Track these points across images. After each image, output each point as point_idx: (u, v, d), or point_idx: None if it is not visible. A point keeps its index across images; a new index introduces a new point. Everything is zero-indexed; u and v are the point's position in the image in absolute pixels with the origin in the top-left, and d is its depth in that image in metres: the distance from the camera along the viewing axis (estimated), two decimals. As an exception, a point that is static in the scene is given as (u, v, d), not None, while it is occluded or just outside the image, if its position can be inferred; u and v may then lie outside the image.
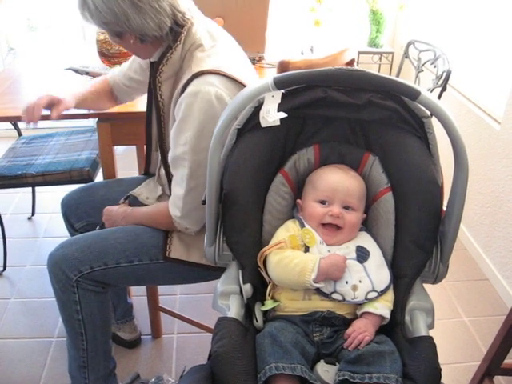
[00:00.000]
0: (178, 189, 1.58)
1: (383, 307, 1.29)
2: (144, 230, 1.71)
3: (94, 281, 1.67)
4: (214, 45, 1.59)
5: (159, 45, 1.60)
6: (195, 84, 1.48)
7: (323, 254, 1.31)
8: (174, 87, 1.61)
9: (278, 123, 1.33)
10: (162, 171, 1.80)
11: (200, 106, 1.47)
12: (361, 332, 1.24)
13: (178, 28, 1.55)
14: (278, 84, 1.21)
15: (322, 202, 1.36)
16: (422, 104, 1.22)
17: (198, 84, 1.48)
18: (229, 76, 1.52)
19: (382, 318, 1.30)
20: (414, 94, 1.19)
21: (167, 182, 1.72)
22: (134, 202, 1.86)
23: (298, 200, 1.42)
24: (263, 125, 1.33)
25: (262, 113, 1.31)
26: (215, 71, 1.50)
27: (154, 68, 1.61)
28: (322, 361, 1.25)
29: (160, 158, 1.74)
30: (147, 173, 2.01)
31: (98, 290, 1.70)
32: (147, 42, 1.56)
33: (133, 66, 1.92)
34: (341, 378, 1.17)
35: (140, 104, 2.09)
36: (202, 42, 1.57)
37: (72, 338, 1.77)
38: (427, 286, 1.37)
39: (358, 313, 1.31)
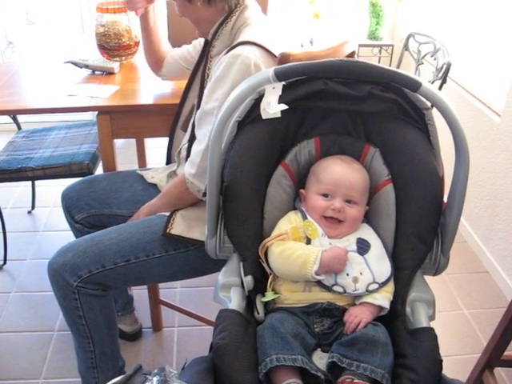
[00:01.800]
0: (199, 145, 1.63)
1: (383, 298, 1.30)
2: (137, 227, 1.72)
3: (94, 284, 1.66)
4: (260, 25, 1.72)
5: (220, 13, 1.70)
6: (239, 49, 1.59)
7: (325, 247, 1.31)
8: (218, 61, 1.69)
9: (279, 115, 1.32)
10: (182, 154, 1.86)
11: (239, 67, 1.55)
12: (357, 315, 1.25)
13: (235, 2, 1.69)
14: (279, 76, 1.21)
15: (325, 195, 1.36)
16: (422, 95, 1.22)
17: (241, 49, 1.59)
18: (269, 51, 1.63)
19: (381, 308, 1.30)
20: (415, 86, 1.19)
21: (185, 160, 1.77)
22: None
23: (302, 190, 1.42)
24: (264, 117, 1.33)
25: (262, 105, 1.31)
26: (259, 44, 1.61)
27: (208, 45, 1.75)
28: (318, 349, 1.26)
29: (189, 137, 1.79)
30: (169, 159, 2.06)
31: (98, 294, 1.69)
32: (212, 4, 1.67)
33: (184, 54, 2.07)
34: (330, 360, 1.18)
35: (140, 97, 2.09)
36: (251, 22, 1.69)
37: (79, 341, 1.77)
38: (427, 278, 1.37)
39: (357, 302, 1.31)
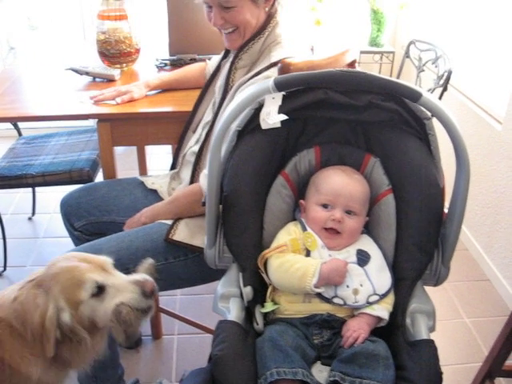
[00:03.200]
0: None
1: (381, 309, 1.29)
2: (136, 236, 1.71)
3: None
4: (291, 43, 1.70)
5: (260, 24, 1.69)
6: (272, 71, 1.59)
7: (324, 258, 1.30)
8: (244, 77, 1.70)
9: (279, 125, 1.32)
10: (187, 157, 1.88)
11: None
12: (355, 330, 1.24)
13: (268, 19, 1.70)
14: (279, 86, 1.21)
15: (325, 206, 1.35)
16: (423, 106, 1.22)
17: (274, 71, 1.59)
18: None
19: (379, 319, 1.29)
20: (416, 96, 1.19)
21: (193, 164, 1.80)
22: None
23: (302, 201, 1.41)
24: (264, 127, 1.32)
25: (262, 115, 1.31)
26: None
27: (234, 55, 1.74)
28: (318, 362, 1.25)
29: (200, 138, 1.81)
30: (174, 163, 2.05)
31: None
32: (259, 4, 1.66)
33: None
34: (331, 378, 1.17)
35: (140, 105, 2.08)
36: (281, 41, 1.69)
37: None
38: (428, 287, 1.36)
39: (355, 313, 1.30)
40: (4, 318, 1.29)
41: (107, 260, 1.37)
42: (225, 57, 1.88)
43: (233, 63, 1.74)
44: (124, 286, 1.32)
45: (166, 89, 2.19)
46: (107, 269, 1.35)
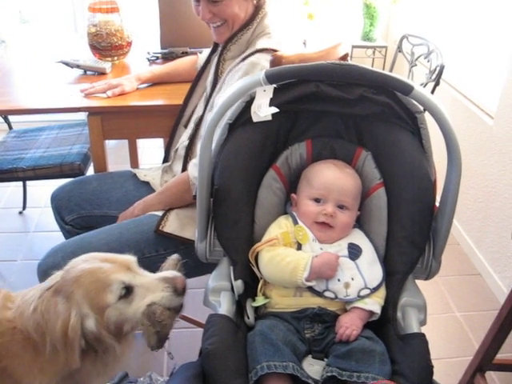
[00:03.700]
0: None
1: (373, 303, 1.29)
2: (126, 228, 1.71)
3: None
4: (278, 34, 1.71)
5: (247, 17, 1.69)
6: (257, 56, 1.60)
7: (316, 252, 1.30)
8: (232, 67, 1.69)
9: (270, 118, 1.32)
10: (179, 152, 1.87)
11: None
12: (348, 327, 1.24)
13: (256, 11, 1.70)
14: (270, 78, 1.20)
15: (317, 200, 1.35)
16: (415, 99, 1.22)
17: (259, 57, 1.60)
18: None
19: (372, 313, 1.29)
20: (407, 89, 1.19)
21: (184, 156, 1.80)
22: None
23: (293, 195, 1.41)
24: (255, 120, 1.32)
25: (253, 107, 1.30)
26: (276, 51, 1.60)
27: (222, 46, 1.75)
28: (309, 356, 1.25)
29: (192, 132, 1.81)
30: (166, 157, 2.04)
31: None
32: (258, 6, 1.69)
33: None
34: (329, 374, 1.17)
35: (130, 98, 2.07)
36: (269, 31, 1.70)
37: None
38: (419, 281, 1.36)
39: (348, 307, 1.30)
40: (20, 329, 1.22)
41: (131, 258, 1.29)
42: (214, 50, 1.87)
43: (221, 54, 1.74)
44: (154, 285, 1.24)
45: (157, 82, 2.19)
46: (132, 268, 1.26)
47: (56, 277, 1.26)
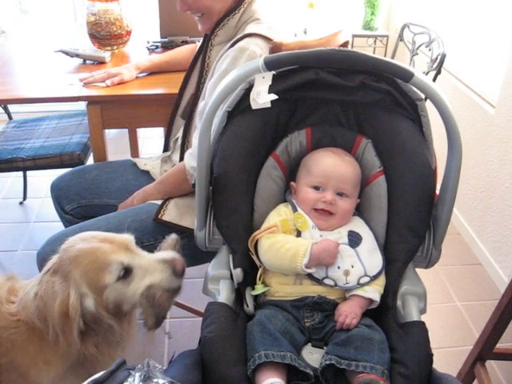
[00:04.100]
0: None
1: (373, 290, 1.29)
2: (125, 216, 1.70)
3: None
4: (267, 19, 1.69)
5: (230, 5, 1.67)
6: (246, 41, 1.58)
7: (315, 239, 1.30)
8: (222, 53, 1.68)
9: (269, 105, 1.31)
10: (179, 142, 1.86)
11: (245, 62, 1.53)
12: (347, 315, 1.24)
13: None
14: (269, 65, 1.19)
15: (316, 188, 1.34)
16: (415, 86, 1.20)
17: (248, 42, 1.57)
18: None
19: (371, 301, 1.29)
20: (408, 76, 1.18)
21: (181, 145, 1.79)
22: None
23: (292, 183, 1.40)
24: (254, 107, 1.31)
25: (252, 94, 1.29)
26: (265, 36, 1.60)
27: (210, 31, 1.73)
28: (309, 344, 1.24)
29: (186, 121, 1.80)
30: (166, 146, 2.03)
31: None
32: None
33: None
34: (327, 362, 1.16)
35: (130, 87, 2.06)
36: (258, 17, 1.68)
37: None
38: (420, 270, 1.36)
39: (347, 295, 1.30)
40: (25, 320, 1.21)
41: (130, 238, 1.27)
42: (205, 39, 1.86)
43: (209, 40, 1.73)
44: (153, 266, 1.22)
45: (156, 71, 2.18)
46: (131, 248, 1.25)
47: (54, 259, 1.25)
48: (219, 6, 1.67)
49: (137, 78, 2.13)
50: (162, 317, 1.24)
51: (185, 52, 2.19)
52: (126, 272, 1.20)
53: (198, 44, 2.09)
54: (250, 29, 1.63)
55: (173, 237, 1.37)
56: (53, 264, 1.23)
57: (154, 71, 2.18)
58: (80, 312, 1.16)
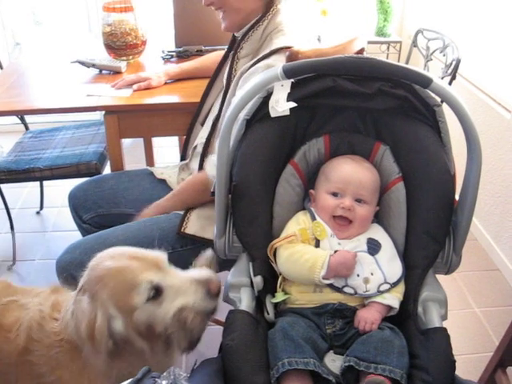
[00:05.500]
0: None
1: (392, 297, 1.28)
2: (144, 225, 1.71)
3: None
4: (293, 31, 1.68)
5: (261, 8, 1.68)
6: (273, 58, 1.58)
7: (334, 248, 1.30)
8: (246, 65, 1.68)
9: (288, 113, 1.31)
10: (198, 149, 1.86)
11: None
12: (367, 322, 1.24)
13: (268, 6, 1.68)
14: (288, 73, 1.20)
15: (334, 194, 1.34)
16: (433, 92, 1.20)
17: (275, 59, 1.57)
18: None
19: (390, 307, 1.28)
20: (426, 82, 1.17)
21: (201, 154, 1.79)
22: None
23: (311, 190, 1.40)
24: (272, 115, 1.31)
25: (271, 102, 1.30)
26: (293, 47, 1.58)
27: (236, 44, 1.74)
28: (331, 351, 1.24)
29: (210, 131, 1.79)
30: (184, 154, 2.04)
31: None
32: None
33: None
34: (346, 364, 1.16)
35: (147, 97, 2.07)
36: (283, 28, 1.66)
37: None
38: (437, 277, 1.35)
39: (366, 302, 1.29)
40: (67, 339, 1.20)
41: (161, 256, 1.21)
42: (230, 48, 1.87)
43: (235, 53, 1.73)
44: (185, 287, 1.16)
45: (186, 77, 2.21)
46: (163, 266, 1.18)
47: (84, 277, 1.21)
48: (240, 6, 1.67)
49: (166, 83, 2.17)
50: (196, 340, 1.19)
51: (214, 58, 2.19)
52: (157, 292, 1.14)
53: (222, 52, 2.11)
54: (275, 42, 1.63)
55: (209, 253, 1.31)
56: (83, 282, 1.19)
57: (183, 77, 2.21)
58: (107, 334, 1.11)
